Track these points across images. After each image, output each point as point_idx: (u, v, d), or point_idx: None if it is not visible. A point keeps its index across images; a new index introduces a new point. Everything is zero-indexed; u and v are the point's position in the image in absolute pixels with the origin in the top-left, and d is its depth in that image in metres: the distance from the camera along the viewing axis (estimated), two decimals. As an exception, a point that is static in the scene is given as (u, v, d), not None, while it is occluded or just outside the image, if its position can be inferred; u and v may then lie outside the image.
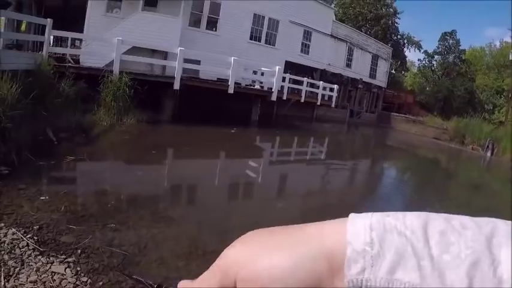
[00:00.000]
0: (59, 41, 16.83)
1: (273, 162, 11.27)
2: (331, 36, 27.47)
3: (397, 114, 33.43)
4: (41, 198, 5.15)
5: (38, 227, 4.25)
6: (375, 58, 32.64)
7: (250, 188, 8.33)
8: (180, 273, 3.80)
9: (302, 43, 25.34)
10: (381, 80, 33.74)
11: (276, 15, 22.68)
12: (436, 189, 10.57)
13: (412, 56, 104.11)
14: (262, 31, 22.54)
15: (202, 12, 19.88)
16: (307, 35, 25.50)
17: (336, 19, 29.72)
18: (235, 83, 16.07)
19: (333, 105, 25.19)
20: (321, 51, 26.57)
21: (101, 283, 3.44)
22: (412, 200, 8.97)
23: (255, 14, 21.91)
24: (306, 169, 10.59)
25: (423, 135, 27.85)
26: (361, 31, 35.85)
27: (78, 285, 3.34)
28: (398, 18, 44.63)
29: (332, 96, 24.49)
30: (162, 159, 9.59)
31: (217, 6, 20.25)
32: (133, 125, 11.98)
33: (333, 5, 29.69)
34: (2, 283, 3.14)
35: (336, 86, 24.66)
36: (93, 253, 3.93)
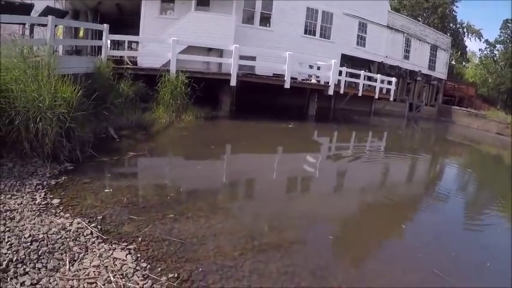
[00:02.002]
0: (116, 45, 17.67)
1: (331, 157, 11.12)
2: (388, 27, 26.54)
3: (458, 107, 31.68)
4: (105, 191, 5.46)
5: (101, 217, 4.52)
6: (434, 49, 31.08)
7: (307, 182, 8.28)
8: (236, 262, 3.90)
9: (358, 35, 24.64)
10: (440, 71, 32.08)
11: (330, 8, 22.28)
12: (500, 188, 9.93)
13: (473, 45, 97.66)
14: (317, 25, 22.19)
15: (254, 8, 19.96)
16: (363, 26, 24.81)
17: (391, 9, 28.66)
18: (291, 77, 15.99)
19: (391, 99, 24.36)
20: (378, 43, 25.79)
21: (159, 269, 3.60)
22: (473, 199, 8.57)
23: (308, 8, 21.64)
24: (364, 164, 10.35)
25: (485, 130, 26.17)
26: (418, 21, 34.45)
27: (137, 270, 3.51)
28: (456, 7, 42.66)
29: (390, 89, 23.67)
30: (220, 154, 9.76)
31: (269, 2, 20.26)
32: (192, 122, 12.28)
33: (387, -5, 28.64)
34: (67, 267, 3.37)
35: (394, 79, 23.83)
36: (153, 241, 4.11)
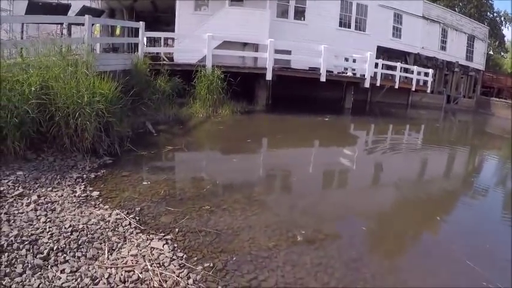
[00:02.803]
0: (152, 42, 17.99)
1: (368, 150, 10.89)
2: (423, 17, 25.78)
3: (497, 99, 30.23)
4: (143, 183, 5.56)
5: (139, 208, 4.61)
6: (471, 39, 29.91)
7: (344, 175, 8.15)
8: (270, 253, 3.89)
9: (393, 27, 24.14)
10: (478, 62, 30.82)
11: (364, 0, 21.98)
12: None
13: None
14: (351, 17, 21.86)
15: (288, 2, 19.87)
16: (398, 18, 24.26)
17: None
18: (327, 71, 15.82)
19: (428, 91, 23.67)
20: (414, 34, 25.13)
21: (195, 258, 3.63)
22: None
23: (342, 0, 21.39)
24: (401, 157, 10.10)
25: (526, 123, 24.98)
26: (455, 11, 33.27)
27: (174, 259, 3.55)
28: None
29: (427, 81, 22.94)
30: (256, 147, 9.76)
31: (303, -4, 20.18)
32: (228, 116, 12.36)
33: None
34: (106, 255, 3.45)
35: (431, 70, 23.06)
36: (190, 232, 4.16)
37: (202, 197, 5.30)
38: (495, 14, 42.74)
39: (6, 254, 3.23)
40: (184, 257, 3.64)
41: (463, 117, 25.66)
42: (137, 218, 4.34)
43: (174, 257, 3.59)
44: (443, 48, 27.88)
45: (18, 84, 6.00)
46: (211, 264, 3.55)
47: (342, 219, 5.31)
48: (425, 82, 23.21)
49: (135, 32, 14.39)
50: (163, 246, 3.75)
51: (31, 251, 3.32)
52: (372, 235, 4.87)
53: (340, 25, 21.60)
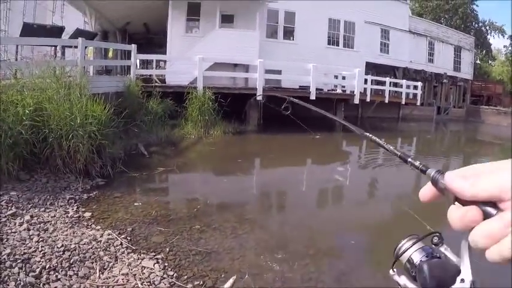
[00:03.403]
0: (144, 63, 18.21)
1: (361, 166, 11.04)
2: (410, 32, 26.64)
3: (487, 107, 31.00)
4: (135, 204, 5.66)
5: (131, 228, 4.70)
6: (458, 50, 30.88)
7: (335, 191, 8.28)
8: (261, 270, 3.97)
9: (381, 42, 24.94)
10: (466, 72, 31.76)
11: (351, 17, 22.51)
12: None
13: (498, 42, 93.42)
14: (339, 35, 22.50)
15: (277, 23, 20.39)
16: (385, 33, 25.06)
17: (413, 14, 28.60)
18: (317, 88, 16.11)
19: (418, 103, 24.18)
20: (401, 49, 25.86)
21: (185, 276, 3.71)
22: None
23: (330, 19, 22.00)
24: (395, 171, 10.24)
25: (516, 128, 25.48)
26: (441, 23, 34.11)
27: (165, 277, 3.63)
28: (477, 6, 42.20)
29: (416, 94, 23.53)
30: (247, 167, 9.88)
31: (291, 16, 20.67)
32: (220, 137, 12.50)
33: (408, 0, 28.45)
34: (97, 274, 3.53)
35: (419, 83, 23.64)
36: (180, 251, 4.24)
37: (193, 217, 5.39)
38: (480, 24, 43.74)
39: (-1, 271, 3.31)
40: (174, 275, 3.71)
41: (454, 127, 26.05)
42: (129, 238, 4.42)
43: (165, 276, 3.67)
44: (430, 60, 28.71)
45: (13, 105, 6.11)
46: (201, 282, 3.63)
47: (333, 234, 5.39)
48: (414, 95, 23.76)
49: (127, 54, 14.61)
50: (154, 265, 3.83)
51: (23, 269, 3.40)
52: (363, 248, 4.97)
53: (329, 43, 22.16)
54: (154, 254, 4.10)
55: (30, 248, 3.81)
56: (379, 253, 4.86)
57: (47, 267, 3.49)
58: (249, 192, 7.76)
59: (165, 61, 18.28)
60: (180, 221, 5.16)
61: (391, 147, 0.92)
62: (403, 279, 0.69)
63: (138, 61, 13.67)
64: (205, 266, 3.97)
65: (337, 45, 22.47)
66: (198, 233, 4.78)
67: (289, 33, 20.92)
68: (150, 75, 15.05)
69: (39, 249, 3.80)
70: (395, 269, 0.73)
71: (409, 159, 0.76)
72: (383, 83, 21.32)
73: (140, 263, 3.86)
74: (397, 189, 8.54)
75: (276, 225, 5.55)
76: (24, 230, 4.20)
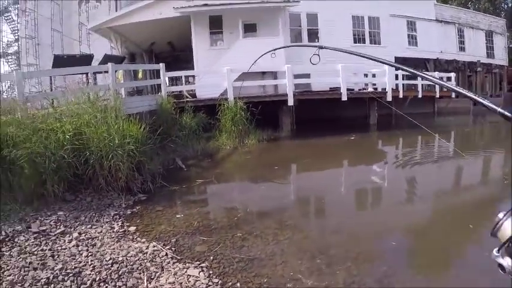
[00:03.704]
0: (174, 80, 18.59)
1: (399, 165, 10.79)
2: (437, 20, 25.37)
3: None
4: (177, 216, 5.80)
5: (175, 240, 4.82)
6: (489, 35, 29.02)
7: (374, 192, 8.13)
8: (303, 274, 3.97)
9: (408, 35, 23.90)
10: (500, 58, 29.84)
11: (374, 12, 21.95)
12: None
13: None
14: (365, 32, 21.99)
15: (300, 26, 20.24)
16: (411, 25, 24.01)
17: (438, 1, 27.50)
18: (348, 89, 15.94)
19: (453, 96, 23.08)
20: (430, 40, 24.69)
21: (230, 283, 3.76)
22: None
23: (353, 16, 21.56)
24: (434, 168, 9.95)
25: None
26: (468, 8, 32.77)
27: (210, 285, 3.70)
28: None
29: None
30: (284, 173, 9.84)
31: (314, 17, 20.44)
32: (255, 145, 12.56)
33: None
34: (145, 284, 3.66)
35: (452, 74, 22.83)
36: (224, 259, 4.30)
37: (235, 225, 5.45)
38: (510, 5, 41.88)
39: (52, 285, 3.50)
40: (219, 282, 3.78)
41: (493, 117, 24.89)
42: (173, 248, 4.54)
43: (210, 283, 3.74)
44: (461, 49, 27.25)
45: (53, 132, 6.44)
46: (246, 288, 3.69)
47: (373, 236, 5.28)
48: None
49: (156, 73, 14.99)
50: (199, 274, 3.91)
51: (75, 282, 3.58)
52: (405, 250, 4.90)
53: (355, 41, 21.68)
54: (198, 262, 4.19)
55: (80, 262, 4.00)
56: (421, 255, 4.78)
57: (97, 279, 3.65)
58: (288, 198, 7.76)
59: (193, 76, 18.59)
60: (222, 230, 5.24)
61: None
62: (507, 261, 0.66)
63: (166, 79, 13.96)
64: (249, 272, 4.01)
65: (364, 42, 21.97)
66: (241, 241, 4.84)
67: (313, 35, 20.67)
68: (180, 91, 15.36)
69: (89, 263, 3.98)
70: (499, 251, 0.69)
71: None
72: (414, 77, 20.70)
73: (186, 271, 3.95)
74: (438, 187, 8.33)
75: (316, 230, 5.54)
76: (74, 246, 4.41)
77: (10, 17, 29.95)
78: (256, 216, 6.07)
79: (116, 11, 22.25)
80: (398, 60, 22.12)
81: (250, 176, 9.55)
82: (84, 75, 11.84)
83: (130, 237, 4.87)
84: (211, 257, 4.33)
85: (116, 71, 10.51)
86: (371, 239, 5.19)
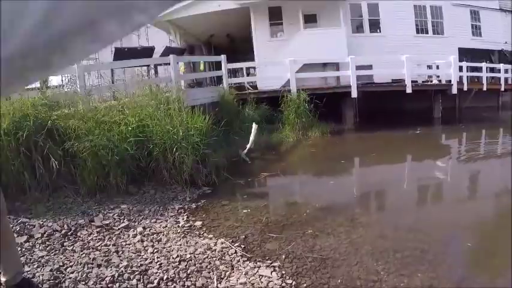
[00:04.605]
0: (232, 73, 18.59)
1: (463, 160, 10.11)
2: (501, 10, 23.79)
3: None
4: (244, 211, 5.57)
5: (244, 236, 4.58)
6: None
7: (443, 189, 7.53)
8: (379, 277, 3.66)
9: (472, 25, 22.58)
10: None
11: (436, 1, 20.97)
12: None
13: None
14: (427, 21, 21.00)
15: (362, 16, 19.70)
16: (475, 15, 22.68)
17: None
18: (412, 81, 15.33)
19: None
20: (494, 30, 23.20)
21: (304, 285, 3.49)
22: None
23: (415, 6, 20.62)
24: (499, 164, 9.26)
25: None
26: None
27: (284, 286, 3.43)
28: None
29: None
30: (351, 168, 9.52)
31: (375, 7, 19.80)
32: (319, 138, 12.24)
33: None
34: (215, 284, 3.43)
35: None
36: (296, 258, 4.03)
37: (304, 221, 5.17)
38: None
39: (117, 284, 3.35)
40: (293, 284, 3.50)
41: None
42: (242, 246, 4.30)
43: (284, 284, 3.47)
44: None
45: (116, 124, 6.43)
46: (322, 291, 3.39)
47: (449, 235, 4.84)
48: None
49: (216, 66, 14.96)
50: (271, 274, 3.65)
51: (141, 281, 3.41)
52: (482, 251, 4.42)
53: (417, 32, 20.85)
54: (270, 261, 3.93)
55: (146, 259, 3.84)
56: (498, 256, 4.29)
57: (164, 278, 3.46)
58: (358, 193, 7.33)
59: (254, 68, 18.51)
60: (291, 227, 4.96)
61: None
62: None
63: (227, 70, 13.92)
64: (323, 273, 3.72)
65: (426, 32, 21.03)
66: (312, 239, 4.54)
67: (375, 26, 20.03)
68: (241, 83, 15.26)
69: (155, 260, 3.81)
70: None
71: None
72: (479, 70, 19.87)
73: (257, 271, 3.70)
74: (502, 181, 7.65)
75: (389, 228, 5.09)
76: (138, 241, 4.28)
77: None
78: (326, 213, 5.71)
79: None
80: (462, 51, 21.07)
81: (317, 170, 9.21)
82: (145, 68, 11.96)
83: (197, 232, 4.68)
84: (283, 256, 4.07)
85: (177, 63, 10.48)
86: (446, 239, 4.76)
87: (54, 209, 5.45)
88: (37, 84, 6.98)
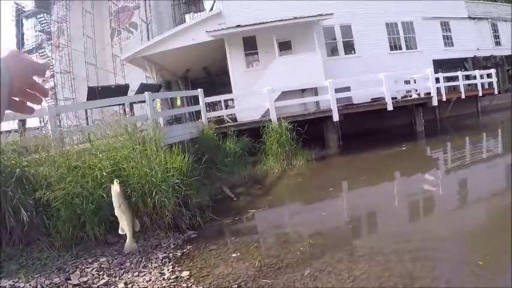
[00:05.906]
0: (211, 106, 18.43)
1: (450, 170, 10.08)
2: (469, 18, 24.83)
3: None
4: (233, 255, 5.21)
5: (236, 286, 4.20)
6: None
7: (445, 206, 7.30)
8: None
9: (443, 36, 23.38)
10: None
11: (407, 17, 21.59)
12: None
13: None
14: (400, 38, 21.62)
15: (335, 39, 19.99)
16: (445, 26, 23.54)
17: None
18: (391, 97, 15.34)
19: (496, 92, 22.64)
20: (465, 38, 24.17)
21: None
22: None
23: (387, 23, 21.18)
24: (486, 169, 9.20)
25: None
26: (496, 0, 31.80)
27: None
28: None
29: (492, 82, 22.11)
30: (341, 195, 9.27)
31: (348, 29, 20.17)
32: (304, 166, 11.97)
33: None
34: None
35: (492, 70, 22.17)
36: (298, 306, 3.67)
37: (301, 261, 4.82)
38: None
39: None
40: None
41: None
42: (236, 297, 3.91)
43: None
44: (497, 43, 26.62)
45: (90, 169, 6.05)
46: None
47: (457, 257, 4.61)
48: (490, 84, 22.45)
49: (194, 100, 14.71)
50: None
51: None
52: (488, 267, 4.11)
53: (391, 48, 21.32)
54: (269, 313, 3.55)
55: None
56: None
57: None
58: (353, 222, 7.00)
59: (232, 100, 18.38)
60: (287, 269, 4.59)
61: None
62: None
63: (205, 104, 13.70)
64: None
65: (400, 48, 21.61)
66: (312, 281, 4.20)
67: (349, 47, 20.44)
68: (220, 116, 15.03)
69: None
70: None
71: None
72: (455, 79, 20.36)
73: (256, 328, 3.32)
74: (492, 187, 7.59)
75: (393, 258, 4.76)
76: (120, 302, 3.86)
77: (44, 53, 30.84)
78: (322, 249, 5.36)
79: (148, 40, 22.59)
80: (437, 63, 21.76)
81: (306, 201, 8.89)
82: (121, 106, 11.62)
83: (184, 285, 4.29)
84: (283, 306, 3.68)
85: (153, 100, 10.16)
86: (455, 264, 4.46)
87: (27, 265, 5.02)
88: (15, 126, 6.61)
